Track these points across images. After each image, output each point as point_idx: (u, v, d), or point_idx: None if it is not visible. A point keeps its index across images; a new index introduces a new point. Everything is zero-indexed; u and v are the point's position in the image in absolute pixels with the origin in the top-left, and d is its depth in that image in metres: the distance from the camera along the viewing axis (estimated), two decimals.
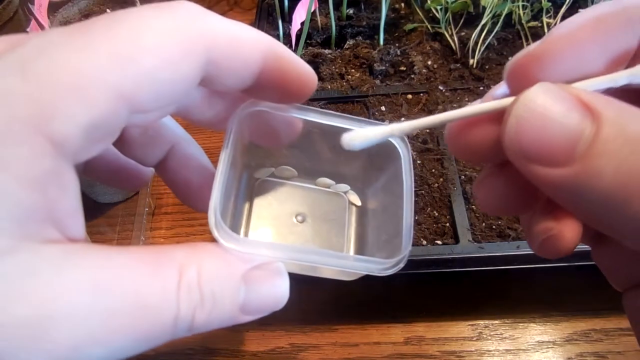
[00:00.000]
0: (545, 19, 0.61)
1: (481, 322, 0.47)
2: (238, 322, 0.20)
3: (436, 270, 0.44)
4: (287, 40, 0.65)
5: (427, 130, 0.54)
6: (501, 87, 0.21)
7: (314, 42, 0.66)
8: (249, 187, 0.26)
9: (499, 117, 0.18)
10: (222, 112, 0.24)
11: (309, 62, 0.62)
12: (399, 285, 0.50)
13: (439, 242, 0.45)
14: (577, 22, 0.18)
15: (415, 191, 0.49)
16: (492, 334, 0.46)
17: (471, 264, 0.43)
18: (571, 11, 0.63)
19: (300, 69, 0.22)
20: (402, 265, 0.21)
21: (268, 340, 0.48)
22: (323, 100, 0.58)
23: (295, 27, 0.58)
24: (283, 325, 0.49)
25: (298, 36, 0.59)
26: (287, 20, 0.65)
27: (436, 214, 0.47)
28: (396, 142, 0.23)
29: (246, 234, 0.26)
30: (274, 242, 0.21)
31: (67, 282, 0.15)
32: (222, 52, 0.19)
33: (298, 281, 0.54)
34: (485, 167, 0.22)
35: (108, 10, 0.69)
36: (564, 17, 0.62)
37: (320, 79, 0.61)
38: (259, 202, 0.26)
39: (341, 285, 0.50)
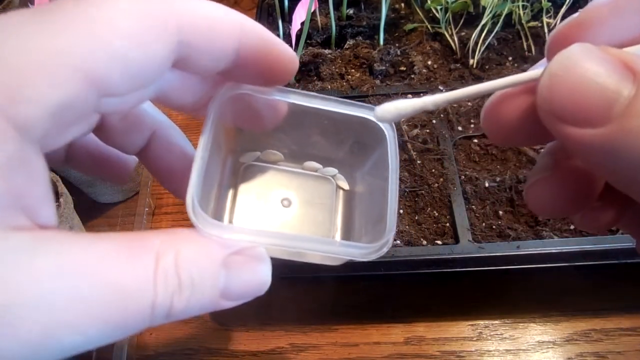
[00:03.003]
0: (545, 19, 0.61)
1: (481, 322, 0.47)
2: (219, 308, 0.19)
3: (436, 270, 0.44)
4: (287, 40, 0.65)
5: (427, 130, 0.54)
6: (543, 61, 0.20)
7: (314, 42, 0.66)
8: (234, 172, 0.26)
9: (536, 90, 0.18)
10: (204, 97, 0.23)
11: (309, 62, 0.62)
12: (399, 285, 0.50)
13: (439, 242, 0.45)
14: None
15: (415, 191, 0.49)
16: (492, 334, 0.46)
17: (471, 264, 0.43)
18: (571, 11, 0.63)
19: (279, 49, 0.21)
20: (385, 250, 0.21)
21: (268, 340, 0.48)
22: None
23: (295, 27, 0.58)
24: (283, 325, 0.49)
25: (298, 36, 0.59)
26: (287, 20, 0.65)
27: (436, 214, 0.47)
28: (382, 125, 0.23)
29: (231, 220, 0.25)
30: (253, 227, 0.21)
31: (37, 268, 0.15)
32: (195, 32, 0.19)
33: (298, 281, 0.54)
34: (535, 169, 0.21)
35: None
36: (564, 17, 0.62)
37: (320, 79, 0.61)
38: (244, 187, 0.26)
39: (341, 285, 0.51)
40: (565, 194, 0.20)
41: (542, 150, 0.21)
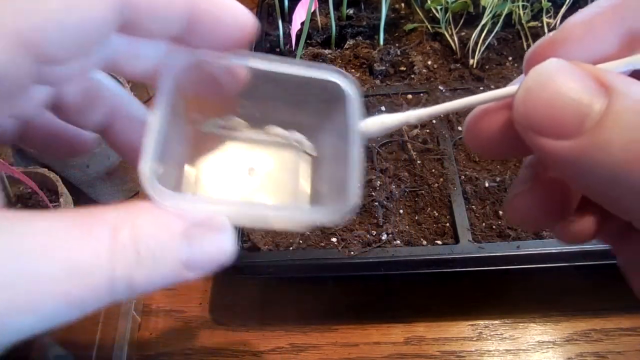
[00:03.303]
0: (545, 19, 0.61)
1: (481, 322, 0.47)
2: (183, 280, 0.19)
3: (436, 270, 0.44)
4: (287, 40, 0.65)
5: (427, 130, 0.54)
6: (521, 77, 0.21)
7: (314, 42, 0.66)
8: (196, 143, 0.24)
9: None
10: (158, 65, 0.22)
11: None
12: (399, 285, 0.50)
13: (439, 242, 0.45)
14: (594, 9, 0.18)
15: (415, 191, 0.49)
16: (492, 334, 0.46)
17: (471, 264, 0.43)
18: (571, 11, 0.63)
19: (234, 10, 0.20)
20: (349, 213, 0.20)
21: (268, 340, 0.48)
22: None
23: (295, 27, 0.58)
24: (283, 325, 0.49)
25: (298, 36, 0.59)
26: (287, 20, 0.65)
27: (436, 214, 0.47)
28: (343, 83, 0.22)
29: (195, 193, 0.24)
30: (212, 196, 0.20)
31: None
32: None
33: (298, 281, 0.54)
34: (515, 182, 0.22)
35: None
36: (564, 17, 0.62)
37: None
38: (207, 158, 0.24)
39: (341, 285, 0.51)
40: (543, 206, 0.20)
41: (523, 162, 0.22)
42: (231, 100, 0.24)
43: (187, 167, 0.23)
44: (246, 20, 0.20)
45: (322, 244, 0.46)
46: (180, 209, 0.18)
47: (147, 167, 0.18)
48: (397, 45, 0.64)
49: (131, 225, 0.17)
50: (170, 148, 0.21)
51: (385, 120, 0.20)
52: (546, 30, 0.61)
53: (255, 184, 0.24)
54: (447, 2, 0.62)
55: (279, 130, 0.24)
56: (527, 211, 0.20)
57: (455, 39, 0.62)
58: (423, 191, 0.49)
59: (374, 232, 0.46)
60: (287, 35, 0.63)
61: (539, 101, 0.16)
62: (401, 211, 0.48)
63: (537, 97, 0.16)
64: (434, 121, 0.54)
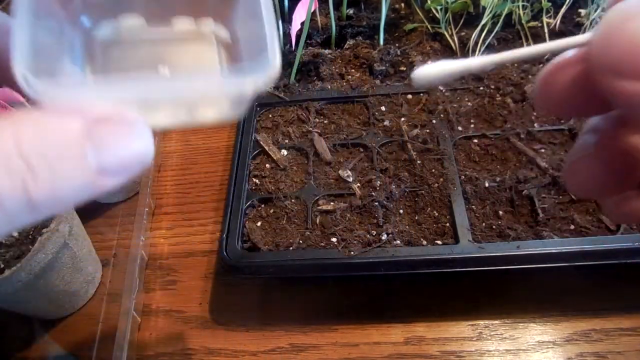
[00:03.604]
0: (545, 19, 0.61)
1: (481, 322, 0.47)
2: (102, 189, 0.16)
3: (436, 270, 0.44)
4: (287, 40, 0.65)
5: (427, 130, 0.54)
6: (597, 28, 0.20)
7: (314, 42, 0.66)
8: (90, 51, 0.20)
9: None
10: None
11: (309, 62, 0.62)
12: (399, 285, 0.50)
13: (439, 242, 0.45)
14: None
15: (415, 191, 0.49)
16: (492, 334, 0.46)
17: (471, 264, 0.43)
18: (571, 11, 0.63)
19: None
20: (273, 73, 0.17)
21: (268, 340, 0.48)
22: (323, 100, 0.58)
23: (295, 27, 0.58)
24: (283, 325, 0.49)
25: (298, 36, 0.59)
26: (287, 20, 0.65)
27: (436, 214, 0.47)
28: None
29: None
30: (109, 80, 0.17)
31: None
32: None
33: (298, 281, 0.54)
34: (575, 147, 0.20)
35: None
36: (564, 17, 0.62)
37: (320, 79, 0.61)
38: (109, 68, 0.20)
39: (341, 285, 0.51)
40: (604, 174, 0.19)
41: (584, 126, 0.21)
42: None
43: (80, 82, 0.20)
44: None
45: (322, 244, 0.46)
46: (74, 103, 0.15)
47: (20, 65, 0.15)
48: (397, 45, 0.64)
49: (14, 132, 0.14)
50: (47, 50, 0.17)
51: (445, 67, 0.19)
52: (546, 30, 0.61)
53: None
54: (447, 2, 0.62)
55: (184, 20, 0.21)
56: (586, 176, 0.19)
57: (455, 39, 0.62)
58: (423, 191, 0.49)
59: (374, 232, 0.46)
60: (287, 35, 0.63)
61: (620, 39, 0.15)
62: (401, 211, 0.48)
63: (618, 35, 0.15)
64: (433, 121, 0.54)
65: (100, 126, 0.15)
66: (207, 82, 0.17)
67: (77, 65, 0.19)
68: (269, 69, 0.17)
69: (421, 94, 0.58)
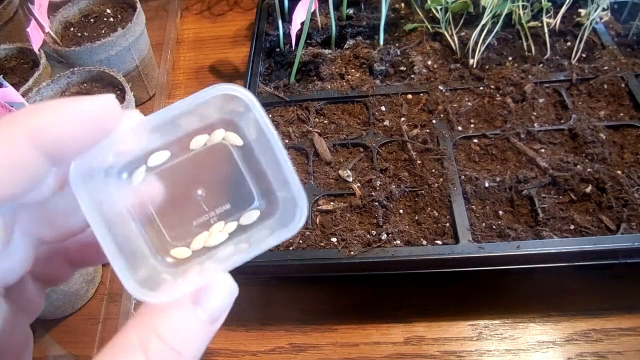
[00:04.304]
0: (545, 19, 0.61)
1: (481, 322, 0.47)
2: (216, 330, 0.21)
3: (436, 270, 0.44)
4: (287, 40, 0.65)
5: (427, 130, 0.54)
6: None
7: (314, 42, 0.66)
8: (136, 203, 0.23)
9: None
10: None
11: (309, 62, 0.62)
12: (399, 285, 0.50)
13: (439, 242, 0.45)
14: None
15: (415, 191, 0.49)
16: (492, 334, 0.46)
17: (471, 264, 0.43)
18: (571, 11, 0.63)
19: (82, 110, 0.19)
20: (303, 219, 0.22)
21: (268, 340, 0.48)
22: (323, 100, 0.58)
23: (295, 27, 0.58)
24: (283, 325, 0.49)
25: (298, 36, 0.59)
26: (287, 20, 0.65)
27: (436, 214, 0.47)
28: (237, 93, 0.21)
29: (166, 248, 0.24)
30: (196, 278, 0.21)
31: None
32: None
33: (298, 281, 0.54)
34: None
35: (108, 11, 0.69)
36: (564, 17, 0.62)
37: (320, 79, 0.61)
38: (155, 206, 0.24)
39: (341, 285, 0.51)
40: None
41: None
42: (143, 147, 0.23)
43: (142, 230, 0.23)
44: (101, 108, 0.20)
45: (322, 244, 0.46)
46: (174, 295, 0.20)
47: (130, 285, 0.20)
48: (397, 45, 0.64)
49: (154, 333, 0.19)
50: (121, 235, 0.21)
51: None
52: (546, 30, 0.61)
53: (209, 205, 0.24)
54: (447, 2, 0.62)
55: (199, 137, 0.23)
56: None
57: (455, 39, 0.62)
58: (423, 191, 0.49)
59: (374, 232, 0.46)
60: (287, 35, 0.63)
61: None
62: (401, 211, 0.48)
63: None
64: (433, 121, 0.54)
65: (198, 294, 0.21)
66: (256, 247, 0.23)
67: (132, 217, 0.23)
68: (300, 219, 0.22)
69: (421, 94, 0.58)
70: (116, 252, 0.20)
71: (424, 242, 0.45)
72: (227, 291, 0.22)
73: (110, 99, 0.20)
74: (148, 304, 0.20)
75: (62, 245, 0.24)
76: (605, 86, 0.56)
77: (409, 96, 0.58)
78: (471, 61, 0.60)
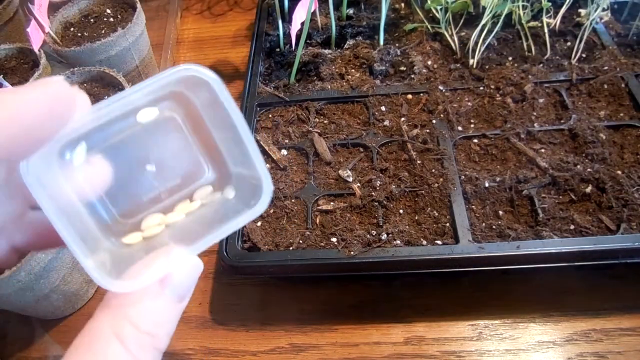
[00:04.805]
0: (545, 19, 0.61)
1: (481, 322, 0.47)
2: (184, 306, 0.22)
3: (436, 270, 0.44)
4: (287, 40, 0.65)
5: (427, 130, 0.54)
6: None
7: (314, 42, 0.66)
8: (82, 184, 0.22)
9: None
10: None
11: (309, 62, 0.62)
12: (399, 285, 0.50)
13: (439, 242, 0.45)
14: None
15: (415, 191, 0.49)
16: (492, 334, 0.46)
17: (471, 264, 0.43)
18: (571, 11, 0.63)
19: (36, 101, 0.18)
20: (268, 200, 0.21)
21: (268, 340, 0.48)
22: (323, 100, 0.58)
23: (295, 27, 0.58)
24: (283, 325, 0.49)
25: (298, 36, 0.59)
26: (287, 20, 0.65)
27: (436, 214, 0.47)
28: (197, 73, 0.21)
29: (117, 228, 0.23)
30: (164, 264, 0.21)
31: None
32: None
33: (298, 281, 0.54)
34: None
35: (108, 11, 0.69)
36: (564, 17, 0.62)
37: (320, 79, 0.61)
38: (103, 185, 0.23)
39: (341, 285, 0.51)
40: None
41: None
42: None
43: (96, 210, 0.23)
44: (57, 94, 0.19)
45: (322, 244, 0.46)
46: (144, 283, 0.20)
47: (96, 273, 0.19)
48: (397, 45, 0.64)
49: (128, 321, 0.20)
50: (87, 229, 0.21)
51: None
52: (546, 30, 0.61)
53: (159, 180, 0.24)
54: (447, 2, 0.62)
55: (149, 109, 0.22)
56: None
57: (455, 39, 0.62)
58: (423, 191, 0.49)
59: (374, 232, 0.46)
60: (287, 35, 0.63)
61: None
62: (401, 211, 0.48)
63: None
64: (433, 121, 0.54)
65: (166, 276, 0.21)
66: (218, 232, 0.21)
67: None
68: (265, 200, 0.21)
69: (421, 94, 0.58)
70: (74, 239, 0.20)
71: (424, 242, 0.45)
72: (192, 269, 0.22)
73: (62, 84, 0.18)
74: (115, 292, 0.20)
75: (8, 230, 0.23)
76: (605, 86, 0.56)
77: (409, 96, 0.58)
78: (471, 61, 0.60)
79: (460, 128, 0.54)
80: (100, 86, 0.60)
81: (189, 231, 0.23)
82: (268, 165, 0.54)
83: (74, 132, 0.20)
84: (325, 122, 0.57)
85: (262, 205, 0.21)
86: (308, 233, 0.47)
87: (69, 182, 0.22)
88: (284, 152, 0.55)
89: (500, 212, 0.47)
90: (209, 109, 0.22)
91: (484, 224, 0.46)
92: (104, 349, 0.19)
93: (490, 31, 0.60)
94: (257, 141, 0.55)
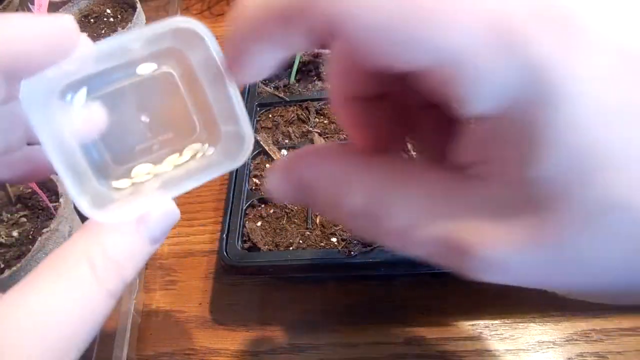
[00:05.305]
0: None
1: (481, 322, 0.47)
2: (154, 251, 0.23)
3: (436, 270, 0.44)
4: None
5: None
6: None
7: None
8: (79, 125, 0.23)
9: None
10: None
11: (309, 62, 0.62)
12: (399, 285, 0.50)
13: None
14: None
15: None
16: (492, 334, 0.46)
17: None
18: None
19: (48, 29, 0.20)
20: (249, 151, 0.23)
21: (268, 340, 0.48)
22: (323, 100, 0.58)
23: None
24: (283, 325, 0.49)
25: None
26: None
27: None
28: (190, 24, 0.22)
29: (108, 171, 0.24)
30: (143, 202, 0.22)
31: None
32: None
33: (298, 281, 0.54)
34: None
35: (108, 11, 0.69)
36: None
37: (320, 79, 0.61)
38: (98, 129, 0.24)
39: (341, 286, 0.51)
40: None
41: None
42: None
43: (91, 153, 0.24)
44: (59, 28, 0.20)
45: (322, 244, 0.46)
46: (124, 217, 0.22)
47: (81, 201, 0.21)
48: None
49: (99, 246, 0.21)
50: (74, 161, 0.22)
51: None
52: None
53: (153, 132, 0.25)
54: None
55: (147, 64, 0.23)
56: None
57: None
58: None
59: None
60: None
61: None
62: None
63: None
64: None
65: (143, 216, 0.22)
66: (199, 176, 0.23)
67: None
68: (247, 151, 0.23)
69: None
70: (67, 170, 0.21)
71: None
72: (168, 214, 0.23)
73: (69, 20, 0.20)
74: (96, 221, 0.21)
75: None
76: None
77: None
78: None
79: None
80: None
81: (174, 182, 0.24)
82: (268, 165, 0.54)
83: (74, 73, 0.21)
84: (325, 122, 0.57)
85: (243, 155, 0.23)
86: (308, 233, 0.47)
87: (67, 121, 0.23)
88: (284, 152, 0.55)
89: None
90: (203, 65, 0.23)
91: None
92: (72, 267, 0.20)
93: None
94: (257, 141, 0.55)
